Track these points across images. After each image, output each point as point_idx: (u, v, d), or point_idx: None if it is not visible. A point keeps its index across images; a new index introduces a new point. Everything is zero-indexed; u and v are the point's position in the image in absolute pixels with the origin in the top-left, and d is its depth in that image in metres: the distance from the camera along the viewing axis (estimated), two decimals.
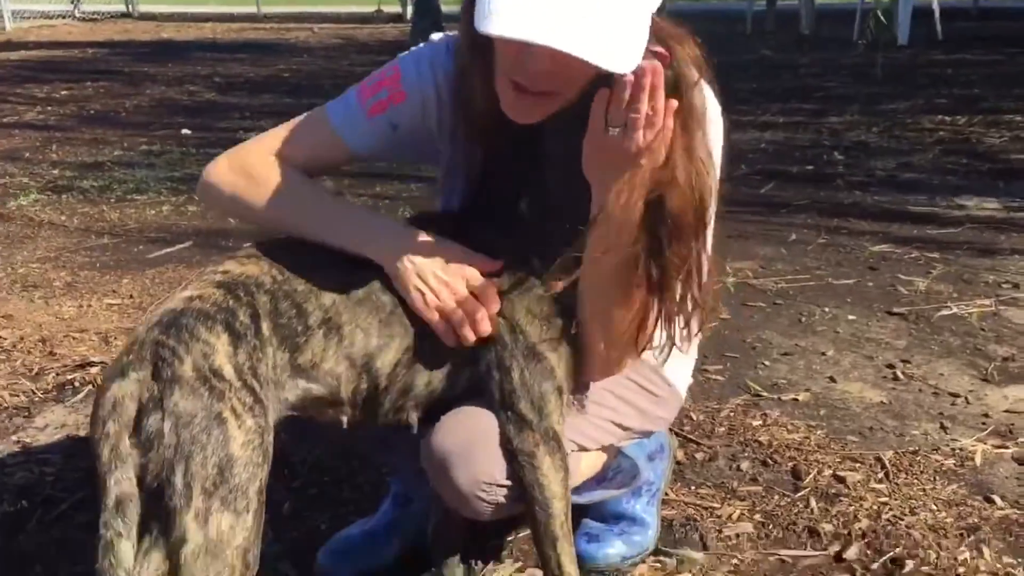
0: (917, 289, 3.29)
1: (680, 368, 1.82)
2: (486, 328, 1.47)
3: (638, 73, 1.22)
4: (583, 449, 1.63)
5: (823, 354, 2.83)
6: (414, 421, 1.55)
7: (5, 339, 3.12)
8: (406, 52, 1.62)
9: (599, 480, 1.78)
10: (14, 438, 2.51)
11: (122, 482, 1.23)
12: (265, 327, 1.39)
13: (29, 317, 3.31)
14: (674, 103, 1.26)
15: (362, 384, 1.48)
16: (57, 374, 2.86)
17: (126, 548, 1.22)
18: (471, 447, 1.49)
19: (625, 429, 1.73)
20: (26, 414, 2.64)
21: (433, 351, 1.50)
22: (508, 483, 1.51)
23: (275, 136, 1.62)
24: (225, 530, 1.26)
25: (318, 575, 1.90)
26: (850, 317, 3.09)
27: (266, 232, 1.61)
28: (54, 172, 5.54)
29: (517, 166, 1.50)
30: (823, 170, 4.96)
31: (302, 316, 1.42)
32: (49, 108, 7.87)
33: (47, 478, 2.30)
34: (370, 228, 1.54)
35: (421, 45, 1.62)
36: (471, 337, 1.46)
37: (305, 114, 1.65)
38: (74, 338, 3.10)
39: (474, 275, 1.49)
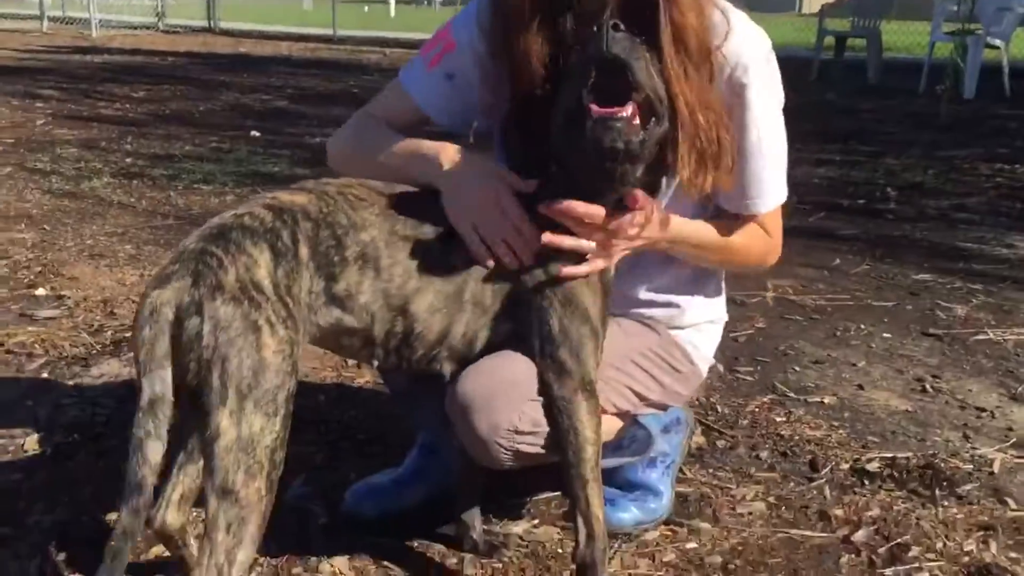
0: (955, 315, 3.31)
1: (703, 346, 1.90)
2: (526, 257, 1.56)
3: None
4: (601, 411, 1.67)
5: (854, 365, 2.87)
6: (447, 372, 1.61)
7: (69, 298, 3.29)
8: None
9: (614, 447, 1.85)
10: (71, 383, 2.66)
11: (155, 384, 1.31)
12: (303, 251, 1.46)
13: (94, 281, 3.48)
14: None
15: (397, 326, 1.54)
16: (115, 332, 3.02)
17: (154, 447, 1.30)
18: (493, 395, 1.56)
19: (643, 399, 1.81)
20: (83, 364, 2.78)
21: (473, 301, 1.56)
22: (528, 431, 1.59)
23: (368, 106, 1.82)
24: (256, 430, 1.35)
25: (344, 513, 1.99)
26: (885, 335, 3.12)
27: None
28: (127, 160, 5.79)
29: (543, 112, 1.57)
30: (874, 205, 4.99)
31: (340, 247, 1.49)
32: (127, 105, 8.20)
33: (99, 419, 2.44)
34: (421, 162, 1.65)
35: None
36: (513, 263, 1.55)
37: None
38: (133, 301, 3.25)
39: (516, 211, 1.57)
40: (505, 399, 1.56)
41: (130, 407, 2.54)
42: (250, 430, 1.35)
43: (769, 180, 1.72)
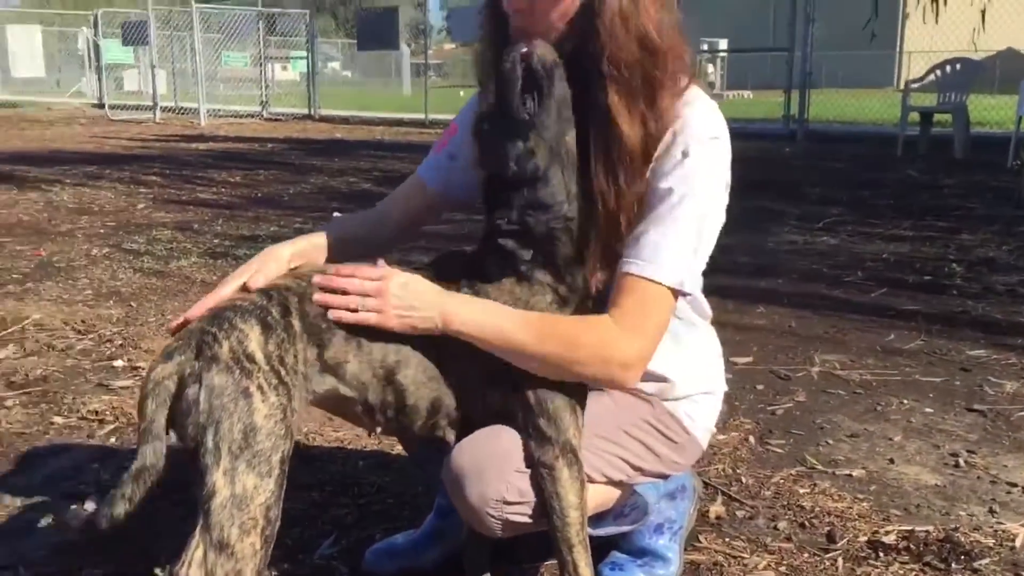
0: (1004, 391, 3.27)
1: (700, 417, 1.95)
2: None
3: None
4: (588, 480, 1.72)
5: (889, 439, 2.87)
6: (451, 439, 1.73)
7: (144, 369, 3.53)
8: None
9: (615, 515, 1.92)
10: (134, 447, 2.84)
11: (148, 455, 1.48)
12: (296, 324, 1.60)
13: None
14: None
15: (389, 396, 1.66)
16: None
17: (121, 507, 1.48)
18: (483, 467, 1.66)
19: (637, 469, 1.86)
20: None
21: (456, 376, 1.67)
22: (516, 502, 1.67)
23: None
24: (250, 488, 1.48)
25: (365, 572, 2.10)
26: (927, 410, 3.11)
27: None
28: (215, 241, 6.14)
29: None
30: (940, 281, 4.94)
31: (323, 315, 1.61)
32: (223, 189, 8.68)
33: None
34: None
35: None
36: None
37: None
38: None
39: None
40: (494, 471, 1.66)
41: (183, 473, 2.74)
42: (243, 488, 1.48)
43: (668, 249, 1.61)
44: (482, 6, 1.75)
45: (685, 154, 1.63)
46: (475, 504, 1.66)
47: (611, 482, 1.83)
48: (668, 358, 1.83)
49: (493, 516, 1.68)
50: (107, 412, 3.10)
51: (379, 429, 1.74)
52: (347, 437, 2.87)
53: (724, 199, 1.68)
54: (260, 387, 1.51)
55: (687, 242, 1.62)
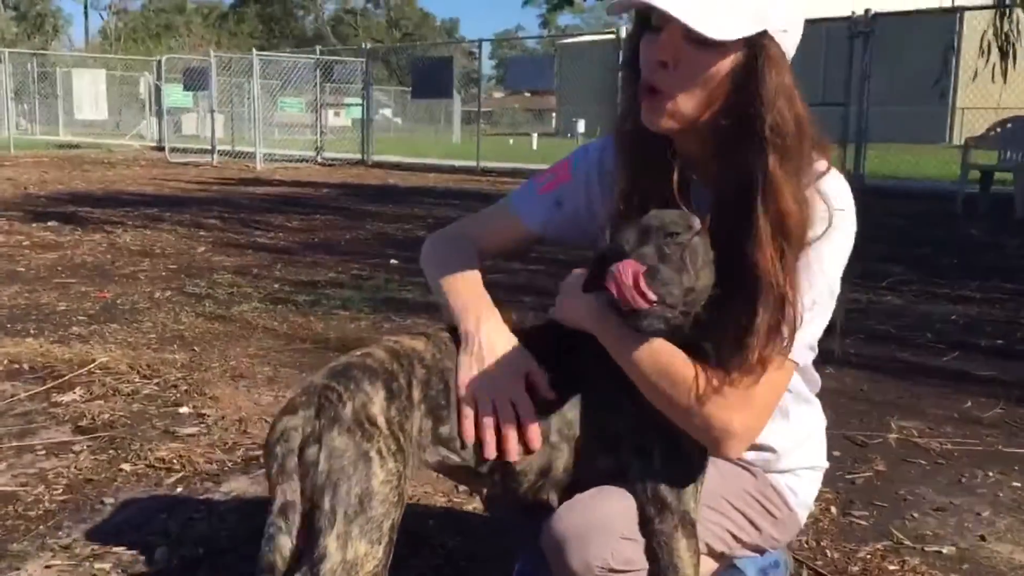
0: None
1: (802, 492, 1.88)
2: (512, 454, 1.61)
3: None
4: None
5: (978, 514, 2.75)
6: (554, 502, 1.68)
7: (209, 416, 3.52)
8: None
9: None
10: (202, 497, 2.83)
11: (287, 493, 1.46)
12: (416, 394, 1.59)
13: (233, 400, 3.71)
14: None
15: (498, 462, 1.63)
16: (247, 450, 3.20)
17: (285, 541, 1.45)
18: (587, 532, 1.59)
19: (739, 541, 1.80)
20: (215, 480, 2.96)
21: (565, 439, 1.63)
22: (620, 569, 1.60)
23: (470, 220, 1.96)
24: (360, 555, 1.45)
25: None
26: (1015, 483, 2.99)
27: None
28: (275, 286, 6.17)
29: None
30: (1013, 346, 4.80)
31: (447, 391, 1.61)
32: (281, 234, 8.76)
33: (224, 534, 2.58)
34: (461, 310, 1.73)
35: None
36: (493, 453, 1.61)
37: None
38: (267, 421, 3.44)
39: (522, 396, 1.62)
40: (598, 537, 1.59)
41: (255, 523, 2.71)
42: (355, 554, 1.45)
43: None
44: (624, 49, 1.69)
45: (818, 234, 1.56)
46: (577, 571, 1.60)
47: (711, 553, 1.76)
48: (774, 428, 1.75)
49: None
50: (174, 460, 3.09)
51: (484, 491, 1.70)
52: (417, 493, 2.82)
53: (840, 269, 1.62)
54: (380, 452, 1.49)
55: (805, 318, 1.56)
